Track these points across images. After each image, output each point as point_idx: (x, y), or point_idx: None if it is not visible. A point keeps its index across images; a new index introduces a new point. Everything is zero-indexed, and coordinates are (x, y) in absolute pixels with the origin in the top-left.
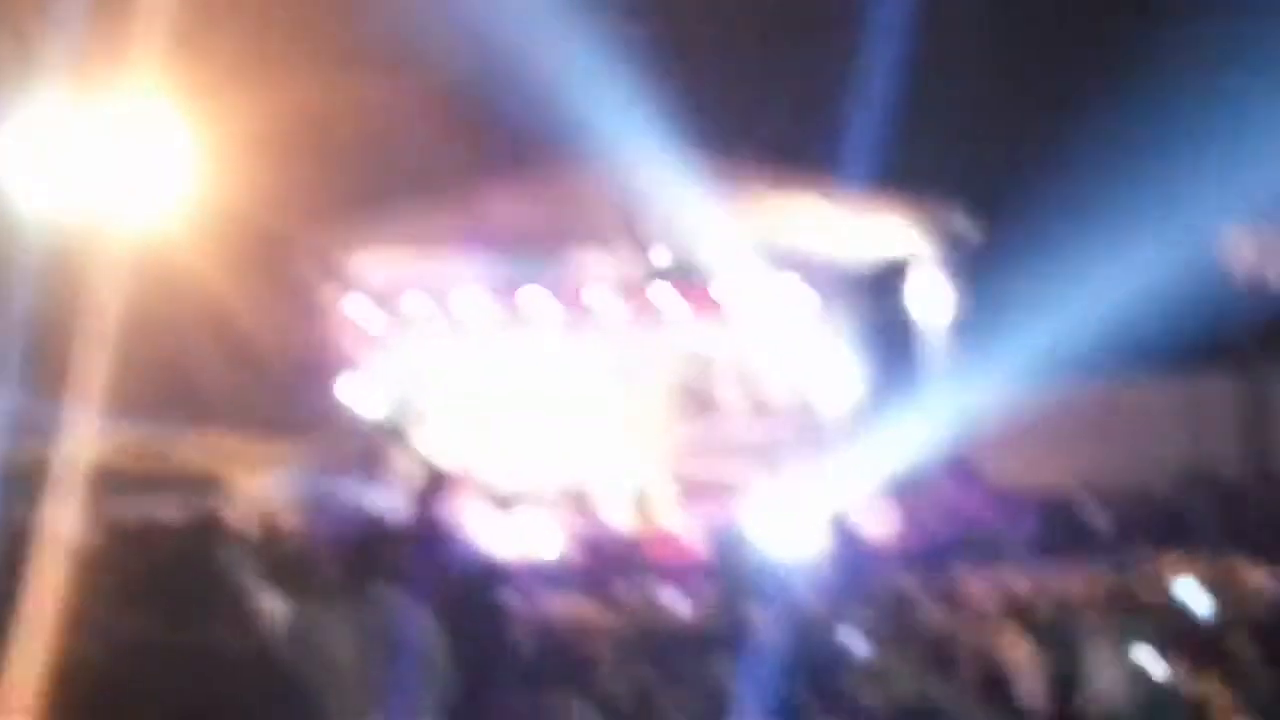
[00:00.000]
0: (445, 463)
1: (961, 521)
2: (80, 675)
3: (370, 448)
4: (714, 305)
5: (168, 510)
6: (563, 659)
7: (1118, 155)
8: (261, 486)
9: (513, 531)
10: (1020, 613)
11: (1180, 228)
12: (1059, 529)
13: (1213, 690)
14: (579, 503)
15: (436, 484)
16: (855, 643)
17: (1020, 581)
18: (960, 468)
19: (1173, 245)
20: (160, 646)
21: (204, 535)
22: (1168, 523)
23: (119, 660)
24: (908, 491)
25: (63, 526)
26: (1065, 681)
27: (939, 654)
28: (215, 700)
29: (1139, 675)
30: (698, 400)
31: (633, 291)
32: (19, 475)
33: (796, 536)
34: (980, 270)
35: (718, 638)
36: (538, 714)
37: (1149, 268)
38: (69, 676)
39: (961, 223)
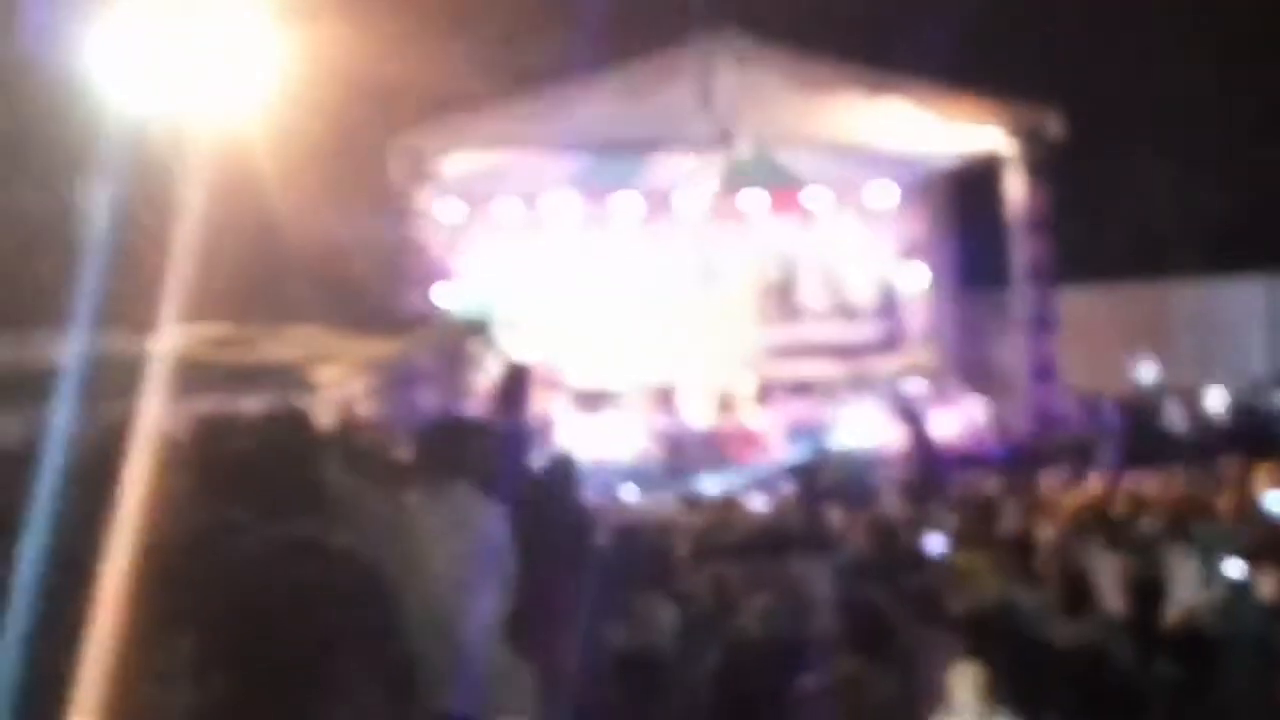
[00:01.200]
0: (529, 361)
1: (1046, 424)
2: (165, 564)
3: (457, 346)
4: (799, 206)
5: (252, 403)
6: (643, 557)
7: (1205, 53)
8: (346, 381)
9: (596, 429)
10: (1103, 518)
11: (1267, 126)
12: (1143, 433)
13: None
14: (662, 401)
15: (520, 381)
16: (937, 545)
17: (1104, 486)
18: (1043, 370)
19: (1259, 144)
20: (244, 537)
21: (288, 428)
22: (1252, 428)
23: (203, 549)
24: (992, 390)
25: (153, 420)
26: (1147, 589)
27: (1021, 558)
28: (298, 592)
29: (1223, 585)
30: (781, 301)
31: (718, 192)
32: (110, 371)
33: (878, 437)
34: (1066, 169)
35: (798, 538)
36: (617, 612)
37: (1235, 167)
38: (155, 565)
39: (1048, 121)
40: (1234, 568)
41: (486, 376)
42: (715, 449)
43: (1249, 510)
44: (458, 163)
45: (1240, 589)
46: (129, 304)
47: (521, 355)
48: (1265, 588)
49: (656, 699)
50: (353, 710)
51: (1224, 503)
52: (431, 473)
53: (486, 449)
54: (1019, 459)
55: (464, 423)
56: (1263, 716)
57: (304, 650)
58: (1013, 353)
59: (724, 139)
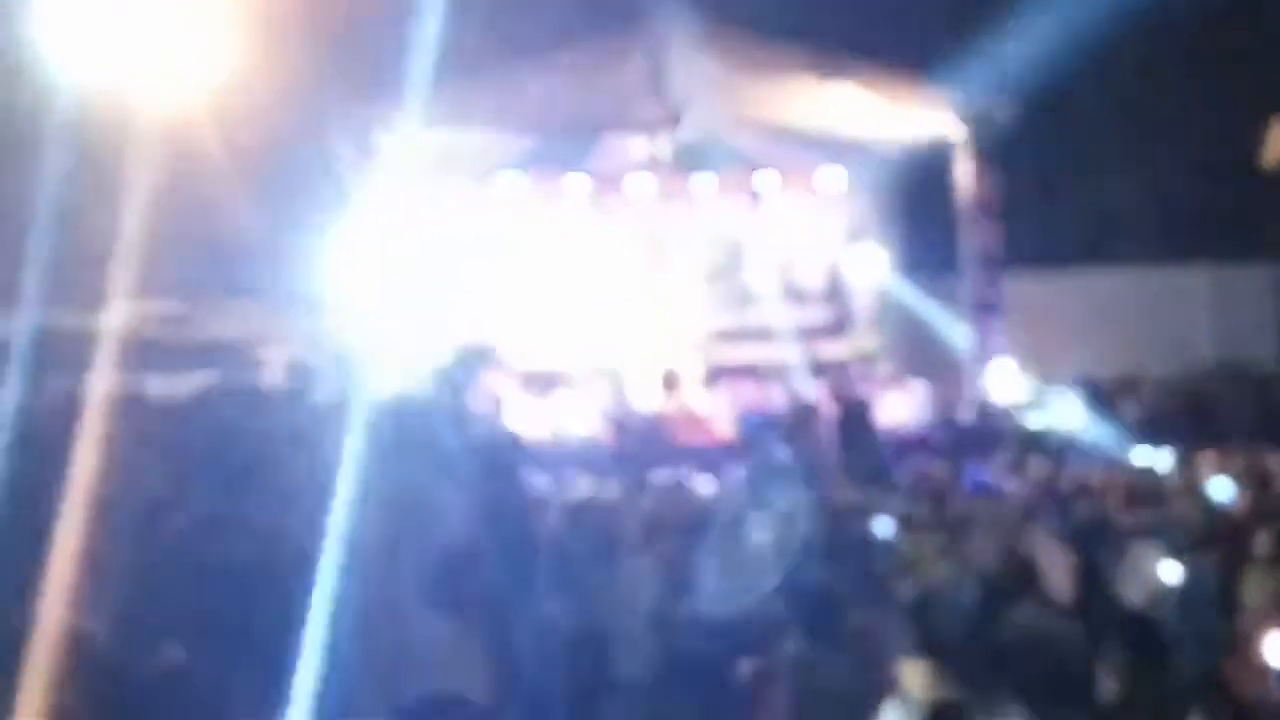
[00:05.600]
0: (478, 342)
1: (991, 410)
2: (115, 539)
3: (406, 326)
4: (748, 190)
5: (197, 380)
6: (592, 538)
7: (1156, 41)
8: (294, 357)
9: (544, 411)
10: (1050, 505)
11: (1215, 116)
12: (1090, 421)
13: (1244, 586)
14: (610, 384)
15: (470, 362)
16: (885, 529)
17: (1051, 474)
18: (990, 356)
19: (1208, 134)
20: (180, 512)
21: (231, 406)
22: (1199, 415)
23: (150, 525)
24: (939, 377)
25: (98, 397)
26: (1094, 575)
27: (968, 543)
28: (237, 568)
29: (1169, 570)
30: (729, 284)
31: (668, 176)
32: (55, 347)
33: (823, 422)
34: (1015, 155)
35: (747, 520)
36: (567, 593)
37: (1184, 156)
38: (104, 539)
39: (997, 108)
40: (1180, 553)
41: (436, 358)
42: (663, 432)
43: (1194, 497)
44: (404, 141)
45: (1186, 574)
46: (76, 281)
47: (470, 336)
48: (1210, 573)
49: (606, 679)
50: (282, 681)
51: (1170, 489)
52: (384, 452)
53: (437, 429)
54: (964, 445)
55: (415, 402)
56: (1210, 701)
57: (237, 624)
58: (960, 339)
59: (674, 122)
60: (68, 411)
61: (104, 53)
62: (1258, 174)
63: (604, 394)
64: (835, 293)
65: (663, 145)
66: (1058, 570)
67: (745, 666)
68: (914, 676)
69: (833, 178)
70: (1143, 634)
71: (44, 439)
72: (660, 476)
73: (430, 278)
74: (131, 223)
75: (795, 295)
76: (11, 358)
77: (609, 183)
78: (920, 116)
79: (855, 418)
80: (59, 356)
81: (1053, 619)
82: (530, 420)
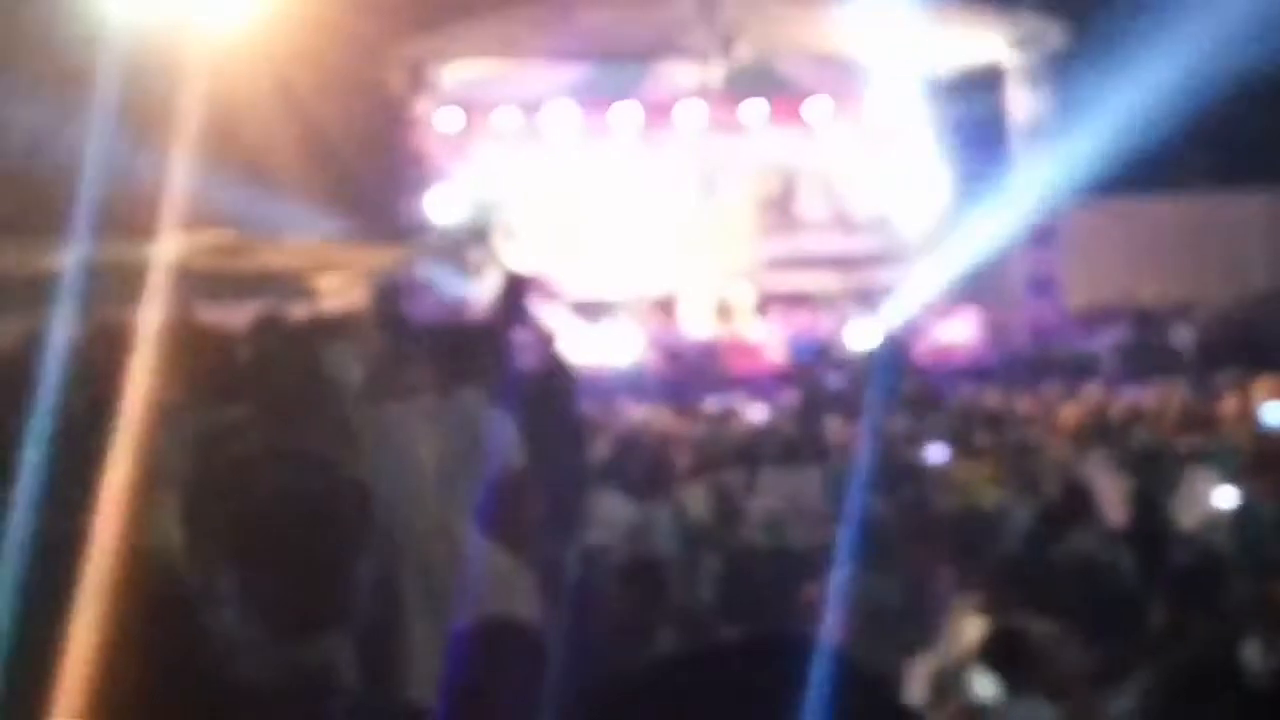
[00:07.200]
0: (529, 270)
1: (1045, 337)
2: (161, 462)
3: (458, 255)
4: (799, 117)
5: (252, 311)
6: (643, 466)
7: None
8: (348, 290)
9: (595, 340)
10: (1104, 432)
11: (1271, 36)
12: (1142, 347)
13: None
14: (662, 312)
15: (519, 290)
16: (938, 455)
17: (1104, 400)
18: (1043, 282)
19: (1264, 54)
20: (237, 441)
21: (287, 335)
22: (1252, 342)
23: (198, 450)
24: (991, 303)
25: (149, 327)
26: (1147, 501)
27: (1021, 469)
28: (286, 498)
29: (1222, 496)
30: (780, 212)
31: (718, 103)
32: (107, 276)
33: (873, 348)
34: (1068, 78)
35: (798, 447)
36: (618, 521)
37: (1241, 78)
38: (152, 464)
39: (1049, 31)
40: (1234, 479)
41: (487, 285)
42: (715, 360)
43: (1248, 423)
44: (457, 72)
45: (1240, 500)
46: (130, 212)
47: (521, 265)
48: (1264, 498)
49: (659, 608)
50: (336, 611)
51: (1224, 415)
52: (439, 380)
53: (491, 357)
54: (1017, 371)
55: (470, 330)
56: (1265, 626)
57: (295, 553)
58: (1013, 265)
59: (725, 49)
60: (119, 342)
61: None
62: None
63: (656, 322)
64: (887, 220)
65: (714, 72)
66: (1112, 497)
67: (802, 593)
68: (967, 604)
69: (884, 104)
70: (1197, 560)
71: (96, 369)
72: (712, 404)
73: (487, 207)
74: (184, 154)
75: (847, 223)
76: (65, 289)
77: (660, 111)
78: (971, 41)
79: (897, 347)
80: (112, 288)
81: (1107, 546)
82: (582, 348)
